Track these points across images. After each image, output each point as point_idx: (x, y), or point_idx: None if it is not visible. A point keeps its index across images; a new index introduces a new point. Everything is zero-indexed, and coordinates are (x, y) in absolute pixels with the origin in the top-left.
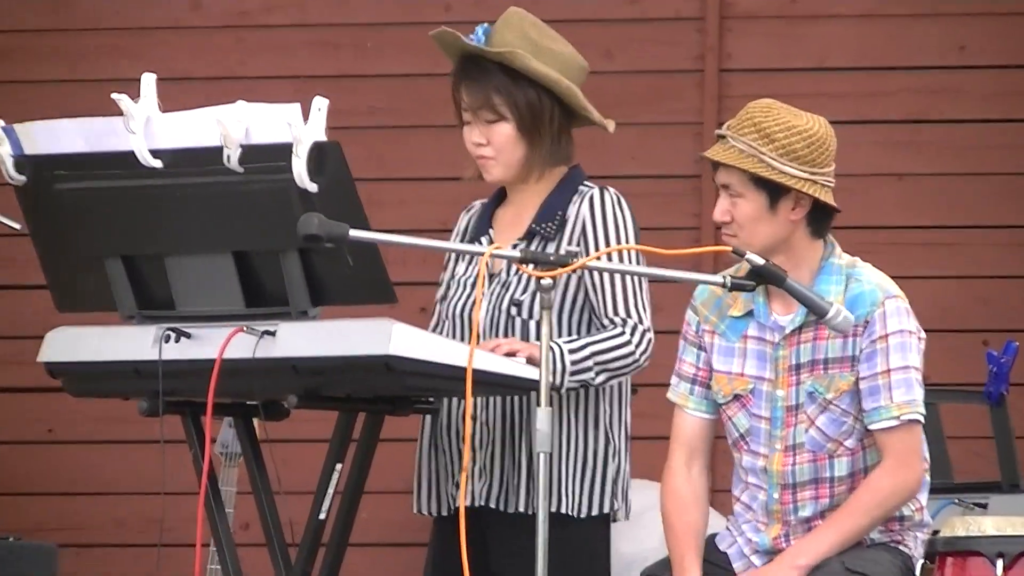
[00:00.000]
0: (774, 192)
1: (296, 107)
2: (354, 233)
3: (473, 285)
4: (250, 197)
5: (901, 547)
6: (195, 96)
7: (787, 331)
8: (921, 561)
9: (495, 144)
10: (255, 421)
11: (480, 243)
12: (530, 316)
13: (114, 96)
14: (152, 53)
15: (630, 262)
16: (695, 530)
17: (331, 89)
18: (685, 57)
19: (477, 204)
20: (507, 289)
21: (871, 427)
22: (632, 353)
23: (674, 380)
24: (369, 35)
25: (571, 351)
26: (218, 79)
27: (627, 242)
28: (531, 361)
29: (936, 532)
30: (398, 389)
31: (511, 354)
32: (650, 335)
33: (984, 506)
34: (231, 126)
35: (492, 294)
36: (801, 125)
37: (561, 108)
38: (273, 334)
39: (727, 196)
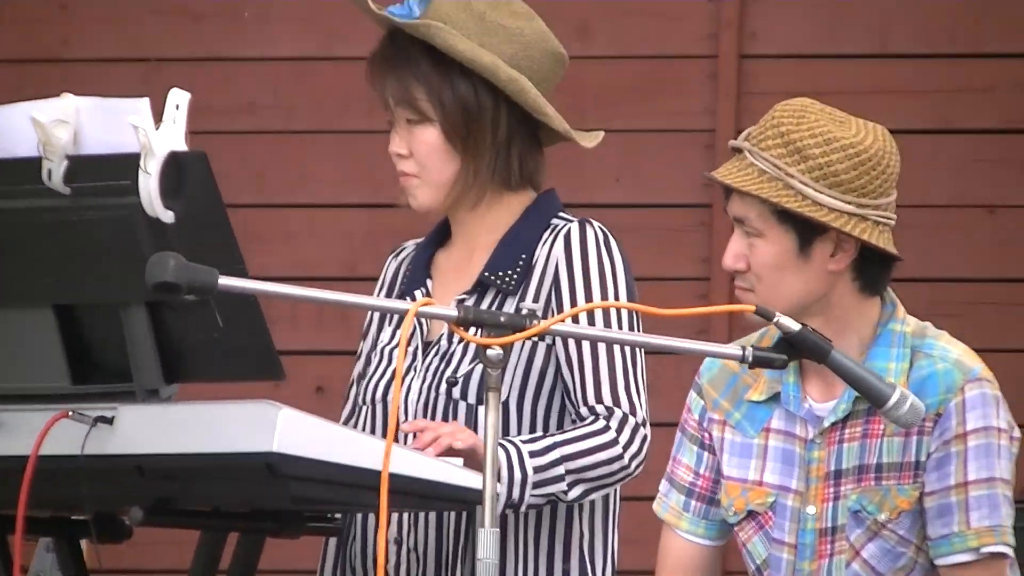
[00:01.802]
0: (806, 231)
1: (145, 101)
2: (225, 281)
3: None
4: (79, 229)
5: None
6: (6, 87)
7: (826, 424)
8: None
9: (417, 155)
10: (84, 543)
11: (413, 298)
12: (478, 401)
13: None
14: None
15: (619, 326)
16: None
17: (194, 76)
18: (694, 39)
19: (411, 244)
20: (447, 362)
21: (939, 561)
22: (620, 456)
23: (664, 487)
24: (245, 2)
25: (532, 453)
26: (36, 62)
27: (616, 297)
28: (472, 459)
29: None
30: (285, 501)
31: (449, 448)
32: (645, 431)
33: None
34: (53, 129)
35: (427, 369)
36: (847, 137)
37: (513, 110)
38: (110, 422)
39: (743, 234)
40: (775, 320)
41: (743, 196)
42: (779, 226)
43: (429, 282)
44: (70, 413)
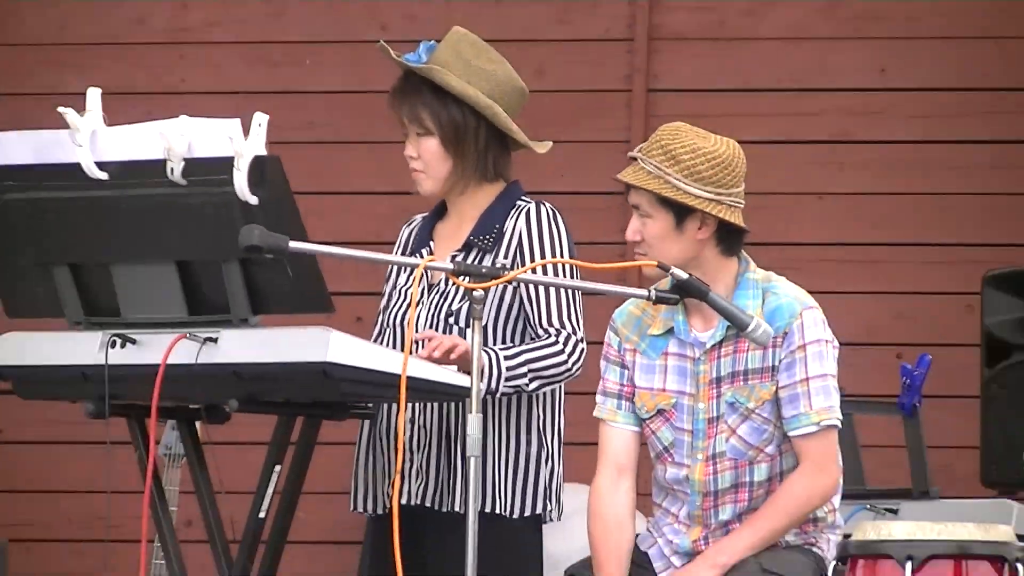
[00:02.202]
0: (680, 212)
1: (237, 122)
2: (293, 244)
3: (411, 295)
4: (193, 209)
5: (815, 549)
6: (138, 110)
7: (707, 346)
8: (833, 563)
9: (424, 158)
10: (197, 424)
11: (420, 255)
12: (467, 324)
13: (60, 110)
14: (96, 68)
15: (565, 275)
16: (618, 555)
17: (270, 104)
18: (614, 77)
19: (418, 218)
20: (445, 299)
21: (791, 433)
22: (565, 362)
23: (600, 399)
24: (307, 52)
25: (506, 358)
26: (160, 94)
27: (561, 255)
28: (464, 363)
29: (848, 535)
30: (335, 395)
31: (449, 350)
32: (583, 345)
33: (895, 512)
34: (174, 140)
35: (431, 303)
36: (707, 147)
37: (490, 127)
38: (215, 341)
39: (637, 216)
40: (670, 271)
41: (637, 189)
42: (662, 209)
43: (432, 243)
44: (187, 335)
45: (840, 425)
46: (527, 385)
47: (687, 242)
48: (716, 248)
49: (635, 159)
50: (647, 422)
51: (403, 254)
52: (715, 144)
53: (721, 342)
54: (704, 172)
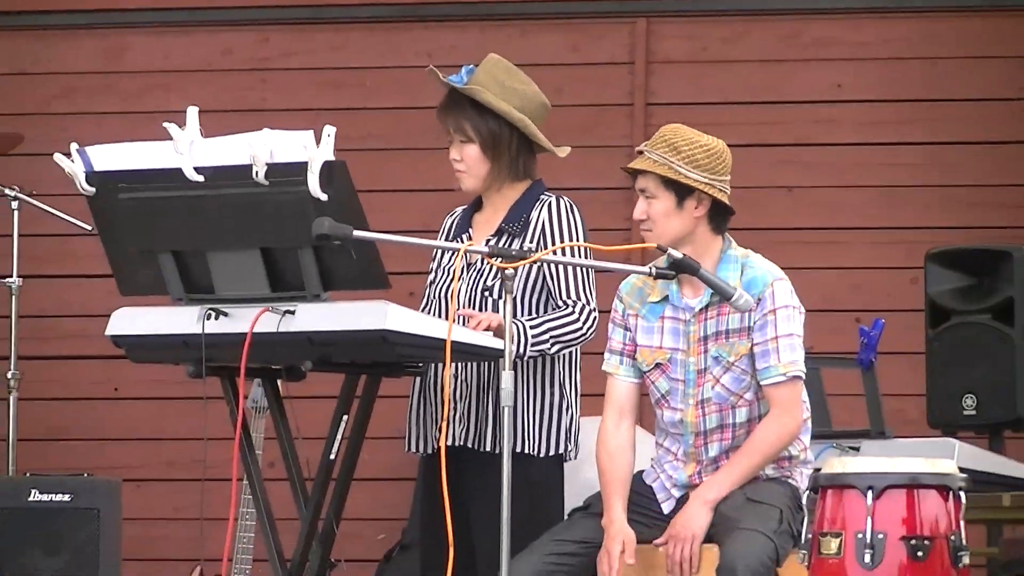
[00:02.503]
0: (681, 192)
1: (310, 134)
2: (357, 233)
3: (454, 273)
4: (274, 205)
5: (791, 481)
6: (226, 127)
7: (696, 310)
8: (807, 492)
9: (466, 160)
10: (279, 382)
11: (461, 240)
12: (499, 298)
13: (165, 124)
14: (193, 90)
15: (580, 256)
16: (622, 478)
17: (336, 119)
18: (618, 94)
19: (459, 209)
20: (481, 276)
21: (763, 383)
22: (580, 328)
23: (606, 355)
24: (367, 76)
25: (531, 327)
26: (246, 111)
27: (577, 240)
28: (500, 331)
29: (818, 470)
30: (392, 356)
31: (487, 327)
32: (595, 314)
33: (857, 449)
34: (258, 149)
35: (469, 280)
36: (703, 141)
37: (520, 135)
38: (293, 313)
39: (643, 198)
40: (668, 251)
41: (644, 174)
42: (665, 190)
43: (471, 230)
44: (270, 308)
45: (804, 376)
46: (549, 349)
47: (686, 219)
48: (708, 226)
49: (641, 152)
50: (647, 374)
51: (446, 239)
52: (709, 140)
53: (707, 307)
54: (701, 160)
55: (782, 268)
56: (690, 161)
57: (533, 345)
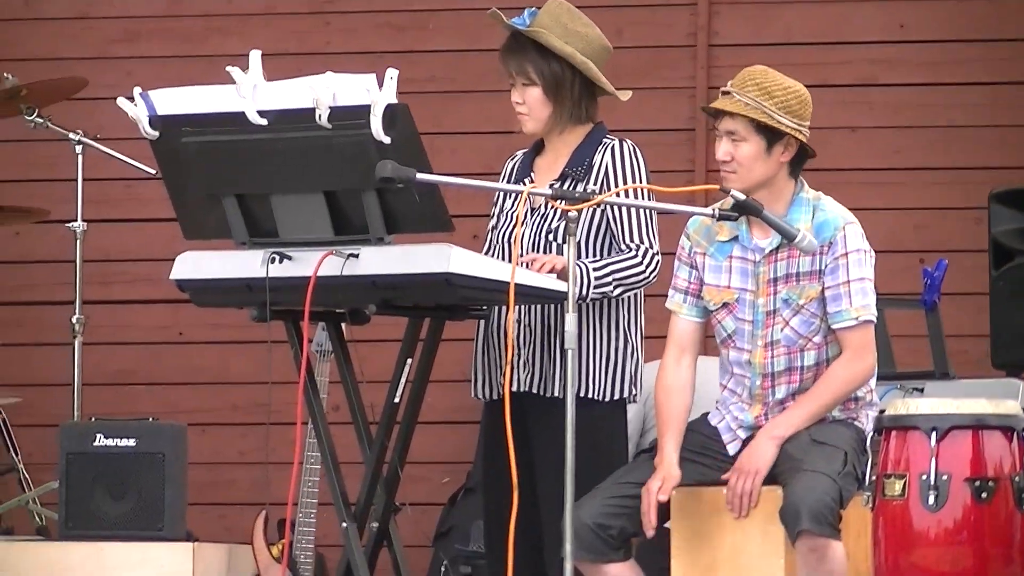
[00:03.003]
0: (772, 137)
1: (372, 77)
2: (420, 176)
3: (517, 216)
4: (337, 148)
5: (856, 423)
6: (289, 70)
7: (766, 251)
8: (871, 434)
9: (528, 103)
10: (343, 325)
11: (524, 184)
12: (563, 241)
13: (228, 68)
14: (256, 34)
15: (642, 198)
16: (678, 416)
17: (399, 62)
18: (681, 35)
19: (519, 153)
20: (544, 220)
21: (834, 326)
22: (643, 272)
23: (671, 292)
24: (429, 18)
25: (595, 269)
26: (308, 55)
27: (639, 182)
28: (563, 274)
29: (883, 411)
30: (455, 299)
31: (551, 269)
32: (658, 257)
33: (921, 391)
34: (321, 92)
35: (533, 223)
36: (793, 87)
37: (582, 78)
38: (356, 256)
39: (730, 140)
40: (731, 193)
41: (734, 117)
42: (756, 134)
43: (532, 174)
44: (333, 252)
45: (875, 320)
46: (612, 291)
47: (772, 163)
48: (787, 171)
49: (727, 93)
50: (714, 313)
51: (508, 182)
52: (795, 84)
53: (777, 248)
54: (793, 106)
55: (850, 208)
56: (783, 106)
57: (596, 287)
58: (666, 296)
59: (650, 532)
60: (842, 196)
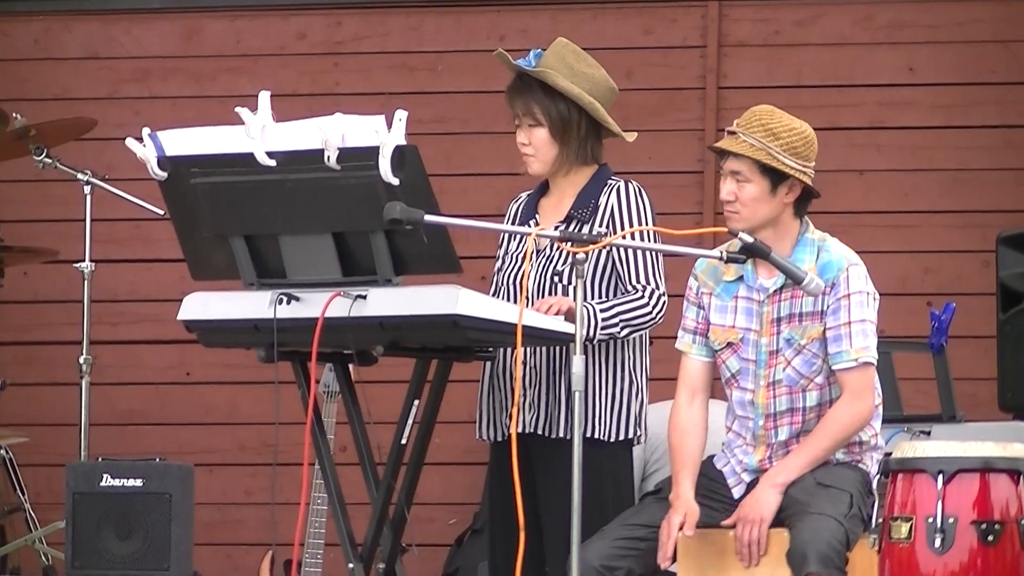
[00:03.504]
0: (776, 178)
1: (381, 118)
2: (428, 217)
3: (523, 258)
4: (345, 189)
5: (861, 465)
6: (300, 110)
7: (770, 291)
8: (877, 477)
9: (534, 144)
10: (350, 366)
11: (529, 225)
12: (569, 283)
13: (237, 109)
14: (265, 74)
15: (649, 240)
16: (692, 455)
17: (409, 103)
18: (690, 77)
19: (523, 195)
20: (550, 261)
21: (834, 367)
22: (649, 313)
23: (680, 333)
24: (439, 60)
25: (602, 311)
26: (319, 95)
27: (646, 225)
28: (570, 315)
29: (889, 454)
30: (463, 341)
31: (559, 312)
32: (664, 298)
33: (928, 433)
34: (330, 133)
35: (538, 266)
36: (798, 128)
37: (589, 119)
38: (364, 297)
39: (734, 180)
40: (739, 235)
41: (739, 157)
42: (761, 175)
43: (537, 216)
44: (341, 293)
45: (875, 362)
46: (619, 333)
47: (776, 204)
48: (792, 211)
49: (734, 133)
50: (719, 353)
51: (512, 224)
52: (800, 125)
53: (781, 288)
54: (798, 147)
55: (854, 251)
56: (788, 148)
57: (603, 329)
58: (672, 338)
59: (666, 564)
60: (850, 238)
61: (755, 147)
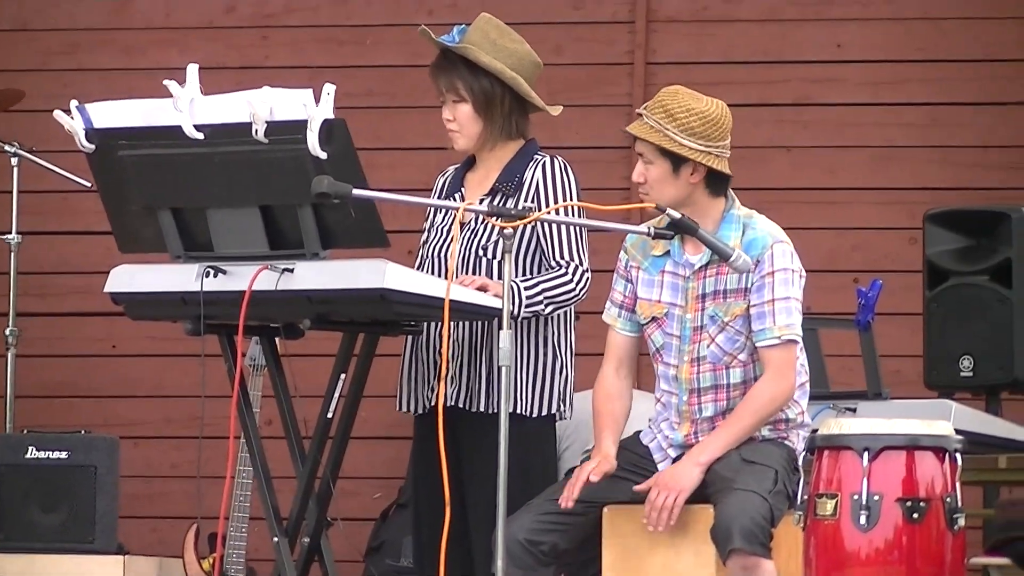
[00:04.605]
0: (676, 160)
1: (309, 92)
2: (356, 191)
3: (449, 232)
4: (273, 163)
5: (786, 442)
6: (228, 82)
7: (696, 267)
8: (803, 454)
9: (459, 120)
10: (277, 340)
11: (454, 199)
12: (494, 257)
13: (165, 82)
14: (194, 47)
15: (574, 216)
16: (615, 416)
17: (337, 77)
18: (619, 52)
19: (451, 169)
20: (476, 236)
21: (758, 344)
22: (573, 289)
23: (607, 305)
24: (367, 34)
25: (526, 288)
26: (247, 68)
27: (572, 200)
28: (495, 291)
29: (815, 431)
30: (390, 315)
31: (482, 289)
32: (588, 275)
33: (854, 410)
34: (258, 106)
35: (464, 240)
36: (700, 107)
37: (513, 94)
38: (292, 271)
39: (642, 163)
40: (667, 211)
41: (641, 140)
42: (661, 157)
43: (463, 190)
44: (268, 266)
45: (799, 340)
46: (544, 310)
47: (682, 185)
48: (705, 191)
49: (640, 115)
50: (645, 327)
51: (439, 199)
52: (706, 105)
53: (707, 265)
54: (696, 128)
55: (781, 228)
56: (685, 129)
57: (528, 307)
58: (598, 313)
59: (567, 504)
60: (778, 215)
61: (653, 129)
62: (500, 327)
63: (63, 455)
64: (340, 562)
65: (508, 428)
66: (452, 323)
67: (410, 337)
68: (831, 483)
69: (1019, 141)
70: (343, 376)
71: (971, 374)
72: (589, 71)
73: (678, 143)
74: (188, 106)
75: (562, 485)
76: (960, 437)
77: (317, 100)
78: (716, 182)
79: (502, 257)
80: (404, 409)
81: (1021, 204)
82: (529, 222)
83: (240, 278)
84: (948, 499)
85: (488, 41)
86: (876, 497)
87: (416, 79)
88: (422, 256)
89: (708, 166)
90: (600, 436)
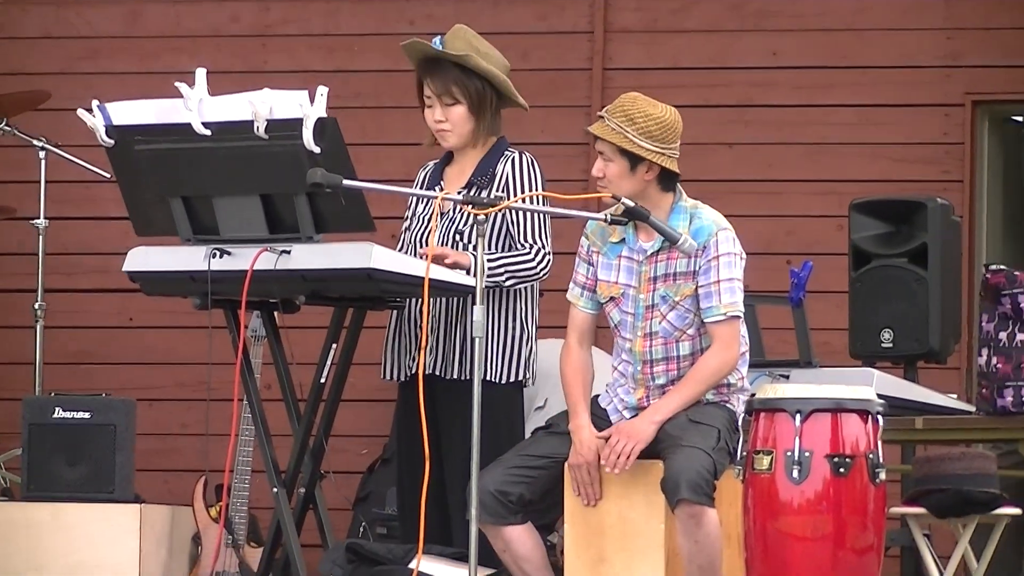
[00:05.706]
0: (633, 160)
1: (305, 93)
2: (346, 182)
3: (429, 220)
4: (272, 156)
5: (728, 405)
6: (232, 85)
7: (648, 253)
8: (742, 415)
9: (452, 121)
10: (275, 313)
11: (435, 191)
12: (469, 241)
13: (177, 84)
14: (202, 53)
15: (539, 204)
16: (584, 385)
17: (329, 80)
18: (579, 59)
19: (431, 164)
20: (452, 223)
21: (706, 321)
22: (534, 268)
23: (571, 286)
24: (356, 42)
25: (489, 261)
26: (249, 72)
27: (538, 191)
28: (461, 267)
29: (753, 395)
30: (376, 291)
31: (440, 256)
32: (549, 256)
33: (787, 377)
34: (259, 106)
35: (442, 226)
36: (656, 113)
37: (496, 94)
38: (289, 252)
39: (602, 159)
40: (621, 200)
41: (602, 140)
42: (620, 156)
43: (442, 182)
44: (268, 248)
45: (742, 315)
46: (504, 281)
47: (637, 181)
48: (657, 186)
49: (601, 117)
50: (604, 305)
51: (421, 189)
52: (662, 111)
53: (658, 251)
54: (654, 132)
55: (724, 216)
56: (643, 132)
57: (489, 276)
58: (561, 290)
59: (591, 503)
60: (721, 204)
61: (614, 131)
62: (474, 302)
63: (86, 415)
64: (332, 510)
65: (480, 393)
66: (431, 299)
67: (395, 312)
68: (767, 441)
69: (936, 139)
70: (334, 346)
71: (891, 345)
72: (552, 76)
73: (637, 145)
74: (197, 106)
75: (531, 442)
76: (881, 401)
77: (311, 101)
78: (667, 179)
79: (475, 240)
80: (388, 377)
81: (936, 195)
82: (499, 210)
83: (243, 259)
84: (871, 456)
85: (472, 48)
86: (807, 453)
87: (399, 82)
88: (404, 241)
89: (662, 165)
90: (576, 411)
